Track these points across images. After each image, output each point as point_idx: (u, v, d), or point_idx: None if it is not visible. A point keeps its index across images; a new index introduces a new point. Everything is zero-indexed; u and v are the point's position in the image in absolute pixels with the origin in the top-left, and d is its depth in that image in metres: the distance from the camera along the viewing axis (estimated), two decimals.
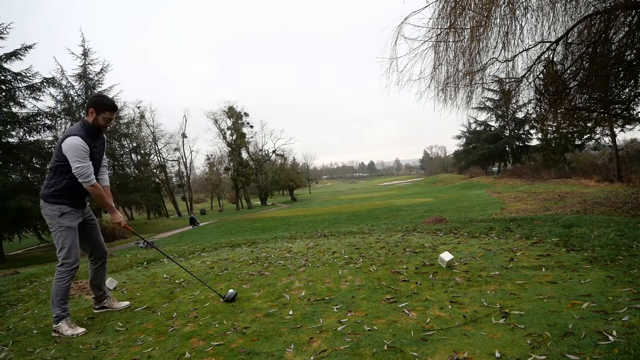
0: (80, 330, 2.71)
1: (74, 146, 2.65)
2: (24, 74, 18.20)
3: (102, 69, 28.57)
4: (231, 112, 48.20)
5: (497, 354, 1.75)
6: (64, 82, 26.76)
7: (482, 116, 41.48)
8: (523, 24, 6.80)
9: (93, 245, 3.06)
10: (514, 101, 9.54)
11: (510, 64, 7.60)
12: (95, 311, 3.14)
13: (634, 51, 7.36)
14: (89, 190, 2.78)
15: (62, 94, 26.32)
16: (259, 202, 53.08)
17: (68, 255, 2.77)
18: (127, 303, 3.23)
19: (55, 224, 2.77)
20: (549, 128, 29.51)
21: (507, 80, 8.21)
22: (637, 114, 11.62)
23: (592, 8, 6.84)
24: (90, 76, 28.40)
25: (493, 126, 41.96)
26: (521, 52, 7.37)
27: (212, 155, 51.96)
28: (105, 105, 2.79)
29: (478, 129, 43.28)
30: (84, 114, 3.19)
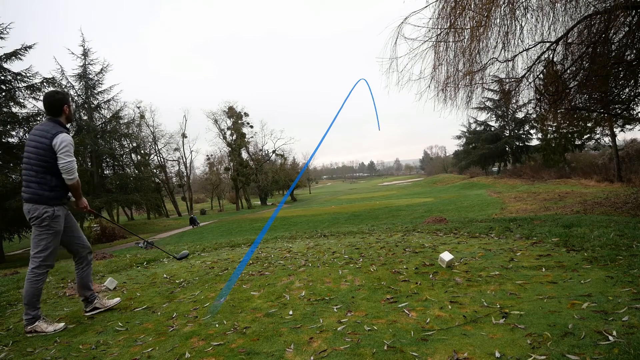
0: (61, 325, 2.74)
1: (68, 141, 2.67)
2: (24, 74, 18.21)
3: (102, 69, 28.69)
4: (231, 112, 48.19)
5: (497, 354, 1.75)
6: (64, 82, 26.87)
7: (482, 116, 41.60)
8: (523, 24, 6.81)
9: (78, 243, 3.01)
10: (514, 101, 9.53)
11: (510, 64, 7.62)
12: (86, 314, 3.01)
13: (634, 51, 7.35)
14: (72, 186, 2.76)
15: None
16: (259, 202, 53.08)
17: (48, 258, 2.78)
18: (117, 299, 3.21)
19: (45, 226, 2.73)
20: (549, 128, 29.52)
21: (507, 80, 8.22)
22: (637, 114, 11.62)
23: (592, 8, 6.84)
24: (90, 76, 28.48)
25: (493, 126, 41.99)
26: (521, 52, 7.38)
27: (212, 155, 52.03)
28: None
29: (478, 129, 43.30)
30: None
